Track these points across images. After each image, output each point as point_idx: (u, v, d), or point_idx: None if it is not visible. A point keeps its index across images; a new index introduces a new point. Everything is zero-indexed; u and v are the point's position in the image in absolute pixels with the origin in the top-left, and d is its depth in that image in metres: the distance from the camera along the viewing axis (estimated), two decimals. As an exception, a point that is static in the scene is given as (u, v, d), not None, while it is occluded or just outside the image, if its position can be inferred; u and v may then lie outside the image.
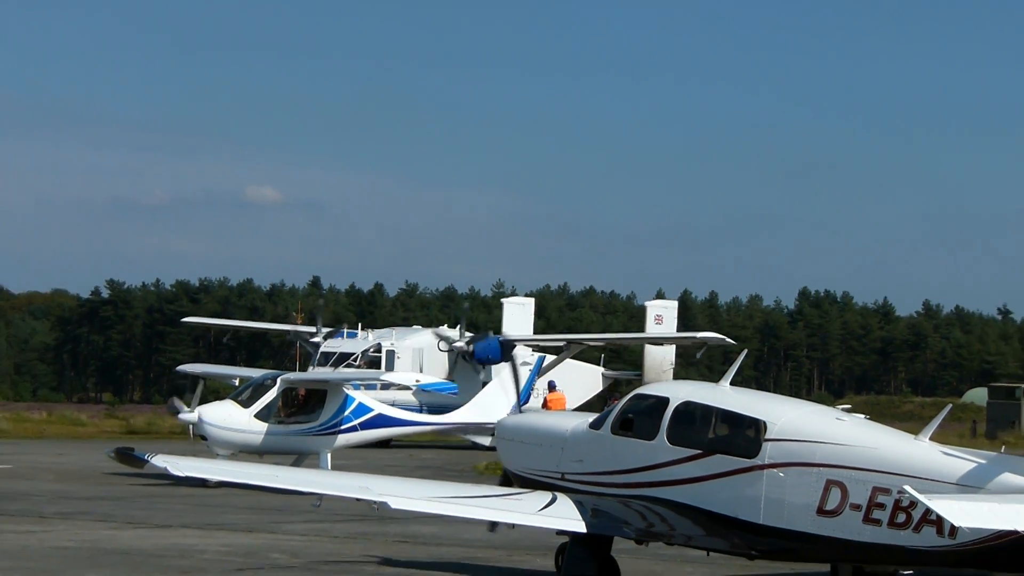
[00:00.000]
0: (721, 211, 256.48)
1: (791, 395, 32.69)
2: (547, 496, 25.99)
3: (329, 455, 50.85)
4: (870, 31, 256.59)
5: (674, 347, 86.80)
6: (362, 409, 52.22)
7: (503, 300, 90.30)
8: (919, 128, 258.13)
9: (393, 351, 77.76)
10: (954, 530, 23.22)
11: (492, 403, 50.51)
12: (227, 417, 50.50)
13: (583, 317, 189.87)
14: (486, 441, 55.84)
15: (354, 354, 76.87)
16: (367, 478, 26.94)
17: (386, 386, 63.42)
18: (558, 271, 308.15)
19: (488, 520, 25.90)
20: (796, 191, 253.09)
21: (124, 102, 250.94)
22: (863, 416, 26.60)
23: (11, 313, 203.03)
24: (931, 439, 24.90)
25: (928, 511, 23.27)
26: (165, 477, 30.71)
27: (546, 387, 71.60)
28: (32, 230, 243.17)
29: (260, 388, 51.68)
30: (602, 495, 26.16)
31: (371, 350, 77.64)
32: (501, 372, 59.45)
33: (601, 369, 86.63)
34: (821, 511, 24.46)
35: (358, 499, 25.80)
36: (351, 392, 52.29)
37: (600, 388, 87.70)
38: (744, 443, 25.36)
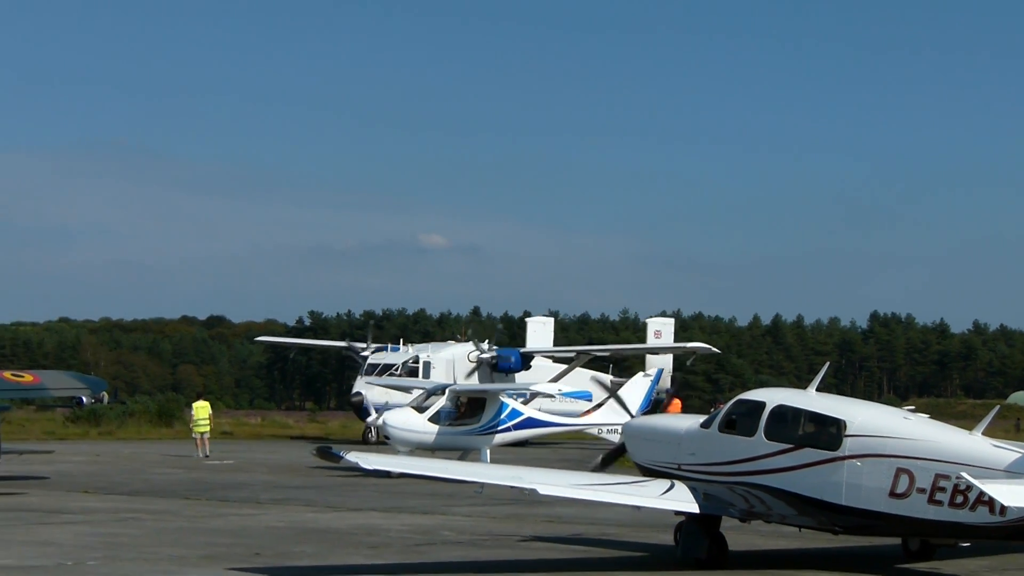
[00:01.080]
0: (805, 246, 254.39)
1: (865, 399, 32.20)
2: (666, 483, 25.88)
3: (488, 451, 50.85)
4: (921, 79, 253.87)
5: (671, 356, 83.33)
6: (515, 413, 52.23)
7: (527, 319, 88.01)
8: (957, 178, 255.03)
9: (429, 362, 75.21)
10: (1004, 509, 22.96)
11: (620, 407, 50.22)
12: (406, 421, 50.65)
13: (692, 337, 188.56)
14: (615, 439, 55.43)
15: (395, 365, 74.71)
16: (520, 469, 26.87)
17: (535, 394, 61.59)
18: (672, 299, 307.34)
19: (622, 504, 25.78)
20: (866, 229, 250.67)
21: (321, 169, 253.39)
22: (925, 415, 26.27)
23: (232, 339, 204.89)
24: (983, 434, 24.60)
25: (982, 494, 23.03)
26: (356, 470, 30.83)
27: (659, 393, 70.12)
28: (249, 271, 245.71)
29: (432, 397, 51.83)
30: (711, 482, 26.00)
31: (410, 361, 75.12)
32: (632, 380, 57.70)
33: (610, 377, 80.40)
34: (892, 494, 24.19)
35: (512, 486, 25.77)
36: (506, 400, 52.31)
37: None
38: (828, 438, 25.13)
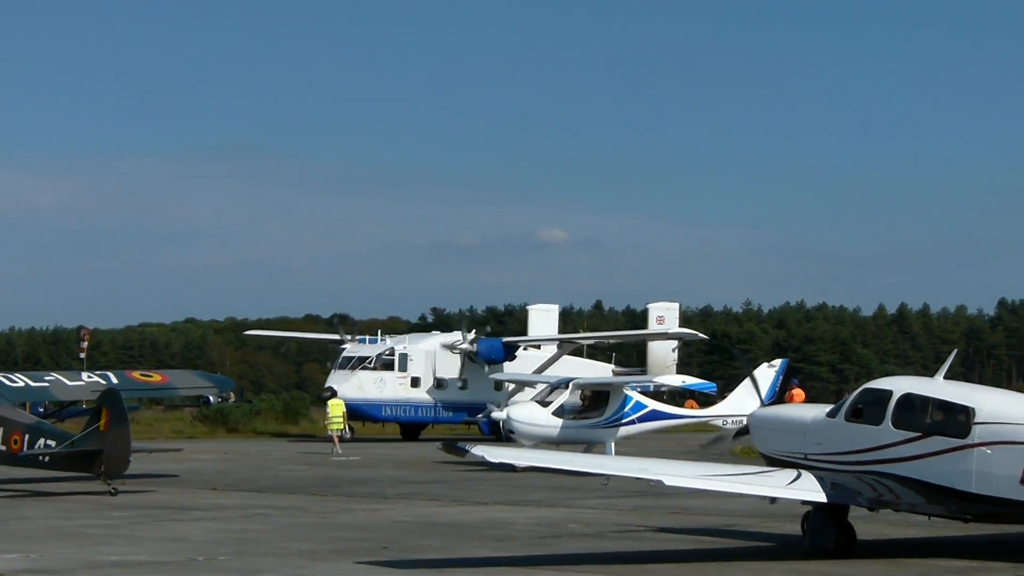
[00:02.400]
0: (930, 234, 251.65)
1: (994, 387, 31.84)
2: (793, 473, 25.76)
3: (613, 444, 50.86)
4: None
5: (677, 344, 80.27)
6: (639, 406, 52.20)
7: (528, 307, 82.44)
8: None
9: (406, 354, 72.51)
10: None
11: (745, 398, 50.09)
12: (530, 415, 50.81)
13: (817, 327, 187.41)
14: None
15: (369, 357, 72.15)
16: (645, 461, 26.88)
17: (659, 386, 60.94)
18: (795, 290, 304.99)
19: (748, 494, 25.71)
20: (994, 215, 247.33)
21: (441, 166, 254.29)
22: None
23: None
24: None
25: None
26: (482, 464, 30.92)
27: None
28: (372, 269, 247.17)
29: (556, 390, 51.90)
30: (838, 471, 25.85)
31: (385, 353, 72.52)
32: (756, 371, 56.32)
33: (612, 367, 78.69)
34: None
35: (638, 478, 25.77)
36: (630, 393, 52.29)
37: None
38: (957, 426, 24.91)
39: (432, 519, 32.67)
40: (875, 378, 30.68)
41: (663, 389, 64.43)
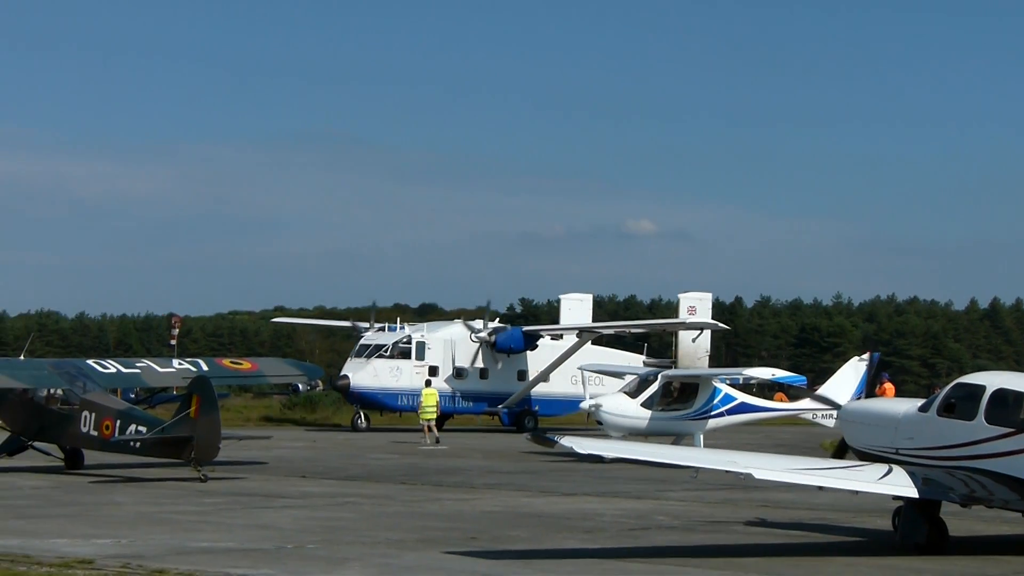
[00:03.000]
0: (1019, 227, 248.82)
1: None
2: (884, 468, 25.55)
3: (701, 436, 50.70)
4: None
5: (709, 335, 75.93)
6: (728, 398, 52.00)
7: (561, 296, 78.15)
8: None
9: (424, 343, 70.01)
10: None
11: (836, 391, 49.78)
12: (618, 406, 50.68)
13: (908, 321, 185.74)
14: (830, 423, 54.71)
15: (385, 345, 69.74)
16: (734, 454, 26.71)
17: (748, 379, 60.07)
18: (886, 283, 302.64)
19: (839, 488, 25.53)
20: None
21: (528, 157, 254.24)
22: None
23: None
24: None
25: None
26: (570, 455, 30.98)
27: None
28: (460, 259, 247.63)
29: (645, 382, 51.72)
30: (930, 466, 25.61)
31: (401, 341, 69.93)
32: (848, 365, 55.58)
33: (643, 358, 75.68)
34: (1121, 478, 23.67)
35: (727, 471, 25.63)
36: (719, 385, 52.11)
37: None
38: (1052, 422, 24.64)
39: (520, 509, 32.67)
40: (967, 373, 30.41)
41: (752, 382, 63.98)
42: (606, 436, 47.80)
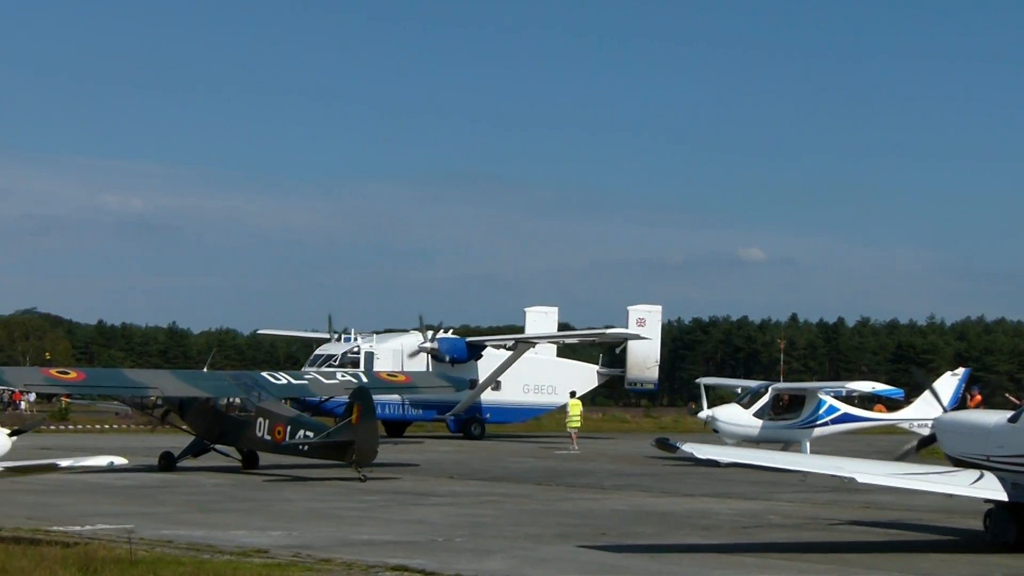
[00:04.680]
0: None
1: None
2: (976, 473, 25.13)
3: (808, 443, 50.21)
4: None
5: (659, 345, 71.56)
6: (832, 409, 51.51)
7: (526, 309, 73.46)
8: None
9: (372, 352, 65.70)
10: None
11: (930, 403, 49.06)
12: (733, 416, 50.43)
13: (996, 340, 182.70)
14: (925, 432, 53.72)
15: (335, 355, 65.32)
16: (839, 460, 26.41)
17: (850, 392, 58.69)
18: (976, 305, 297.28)
19: (935, 492, 25.14)
20: None
21: (650, 192, 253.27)
22: None
23: (575, 344, 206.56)
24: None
25: None
26: (688, 459, 30.77)
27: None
28: (588, 284, 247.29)
29: (757, 394, 51.39)
30: (1019, 472, 25.15)
31: (351, 351, 65.63)
32: (941, 379, 54.47)
33: (597, 367, 72.07)
34: None
35: (833, 475, 25.36)
36: (824, 397, 51.63)
37: (595, 384, 72.69)
38: None
39: (645, 508, 32.54)
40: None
41: (855, 394, 63.25)
42: (721, 442, 47.57)
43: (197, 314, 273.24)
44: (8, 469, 24.03)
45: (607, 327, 73.40)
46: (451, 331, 68.19)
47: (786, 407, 51.25)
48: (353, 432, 38.55)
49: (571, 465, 48.49)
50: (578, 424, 59.91)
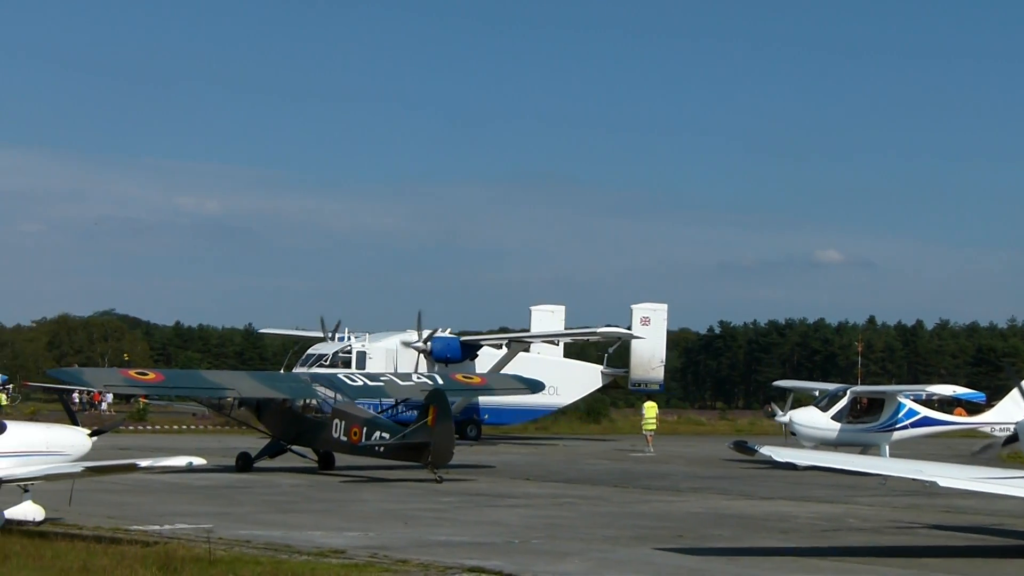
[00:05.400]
0: None
1: None
2: None
3: (887, 447, 49.80)
4: None
5: (664, 345, 69.03)
6: (911, 412, 51.07)
7: (531, 307, 71.62)
8: None
9: (364, 352, 63.53)
10: None
11: (1012, 407, 48.61)
12: (811, 419, 50.14)
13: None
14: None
15: (326, 355, 63.21)
16: (919, 463, 26.21)
17: (930, 395, 57.51)
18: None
19: (1018, 496, 24.87)
20: None
21: (726, 193, 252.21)
22: None
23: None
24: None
25: None
26: (765, 462, 30.63)
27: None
28: (663, 285, 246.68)
29: (835, 398, 51.06)
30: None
31: (342, 351, 63.56)
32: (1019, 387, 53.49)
33: (600, 367, 69.31)
34: None
35: (914, 479, 25.16)
36: (903, 400, 51.20)
37: (599, 385, 69.84)
38: None
39: (722, 511, 32.41)
40: None
41: (935, 398, 62.67)
42: (799, 446, 47.29)
43: (273, 315, 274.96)
44: (89, 469, 24.32)
45: (608, 326, 70.40)
46: (448, 331, 66.25)
47: (864, 410, 50.88)
48: (429, 434, 38.67)
49: (647, 467, 48.38)
50: (654, 427, 60.00)
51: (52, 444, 25.65)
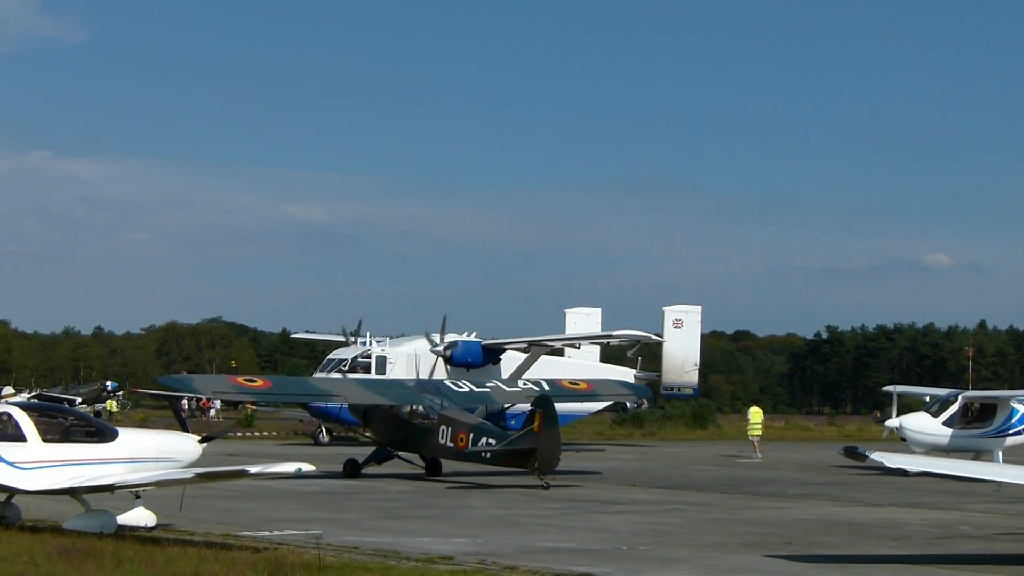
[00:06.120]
0: None
1: None
2: None
3: (1000, 453, 49.01)
4: None
5: (698, 348, 67.12)
6: (1025, 418, 50.43)
7: (566, 310, 69.42)
8: None
9: (384, 357, 61.71)
10: None
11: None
12: (922, 424, 49.56)
13: None
14: None
15: (345, 360, 61.77)
16: (1035, 469, 25.72)
17: None
18: None
19: None
20: None
21: (831, 197, 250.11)
22: None
23: (756, 351, 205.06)
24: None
25: None
26: (875, 468, 30.30)
27: None
28: (770, 290, 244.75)
29: (946, 403, 50.44)
30: None
31: (361, 356, 61.87)
32: None
33: (634, 371, 66.59)
34: None
35: (1028, 484, 24.77)
36: (1016, 405, 50.44)
37: None
38: None
39: (831, 517, 32.10)
40: None
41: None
42: (910, 451, 46.72)
43: (377, 322, 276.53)
44: (200, 475, 24.57)
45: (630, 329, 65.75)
46: (474, 335, 64.29)
47: (976, 416, 50.21)
48: (535, 440, 38.68)
49: (754, 473, 48.07)
50: (759, 432, 59.61)
51: (163, 450, 25.98)
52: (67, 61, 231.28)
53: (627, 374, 65.74)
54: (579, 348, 66.78)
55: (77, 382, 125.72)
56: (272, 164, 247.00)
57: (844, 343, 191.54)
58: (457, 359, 61.70)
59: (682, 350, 66.45)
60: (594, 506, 34.25)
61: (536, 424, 38.76)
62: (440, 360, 61.42)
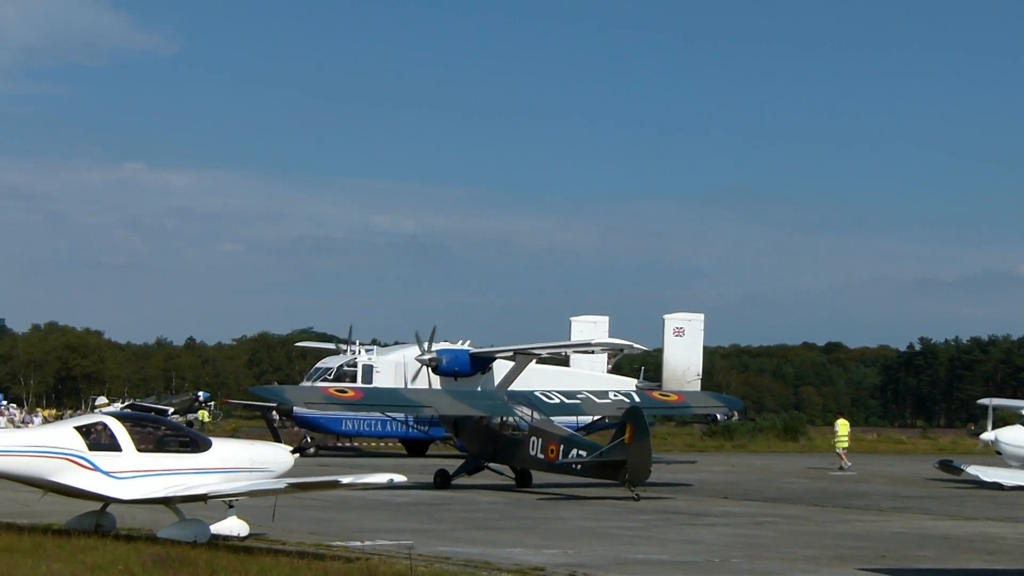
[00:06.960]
0: None
1: None
2: None
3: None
4: None
5: (700, 357, 66.09)
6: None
7: (571, 319, 68.38)
8: None
9: (371, 366, 61.11)
10: None
11: None
12: (1017, 437, 48.94)
13: None
14: None
15: (330, 368, 61.45)
16: None
17: None
18: None
19: None
20: None
21: (923, 207, 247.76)
22: None
23: (848, 363, 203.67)
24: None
25: None
26: (970, 482, 29.89)
27: None
28: (862, 301, 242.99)
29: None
30: None
31: (347, 364, 61.47)
32: None
33: (635, 381, 65.10)
34: None
35: None
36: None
37: None
38: None
39: (926, 531, 31.76)
40: None
41: None
42: (1006, 466, 46.16)
43: (467, 333, 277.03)
44: (292, 485, 24.76)
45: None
46: (469, 343, 63.49)
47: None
48: (626, 451, 38.61)
49: (846, 486, 47.68)
50: (846, 444, 59.57)
51: (256, 461, 26.21)
52: (160, 74, 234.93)
53: (628, 384, 64.14)
54: (563, 356, 65.75)
55: (169, 392, 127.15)
56: (362, 175, 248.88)
57: (937, 355, 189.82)
58: (444, 368, 60.90)
59: (683, 359, 65.65)
60: (685, 518, 34.12)
61: (627, 436, 38.69)
62: (426, 369, 60.60)
